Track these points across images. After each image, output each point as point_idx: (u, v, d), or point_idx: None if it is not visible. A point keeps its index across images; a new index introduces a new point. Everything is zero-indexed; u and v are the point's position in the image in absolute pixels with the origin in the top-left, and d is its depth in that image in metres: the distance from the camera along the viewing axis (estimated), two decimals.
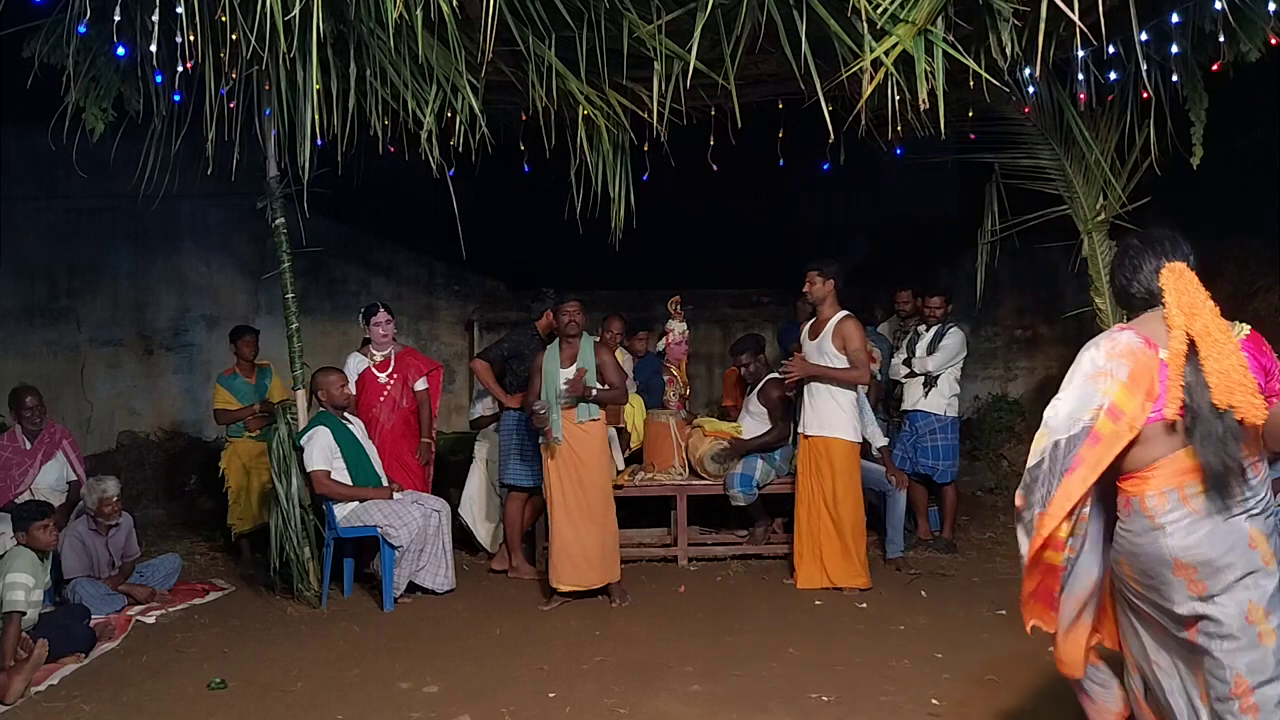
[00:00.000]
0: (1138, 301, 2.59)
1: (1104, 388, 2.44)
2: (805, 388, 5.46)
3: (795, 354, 5.69)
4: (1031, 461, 2.53)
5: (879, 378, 6.80)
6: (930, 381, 6.17)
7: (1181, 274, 2.46)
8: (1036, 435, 2.52)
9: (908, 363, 6.26)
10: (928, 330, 6.24)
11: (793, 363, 5.51)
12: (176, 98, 4.58)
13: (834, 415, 5.34)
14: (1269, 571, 2.37)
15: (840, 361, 5.30)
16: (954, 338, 6.16)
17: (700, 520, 6.37)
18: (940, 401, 6.18)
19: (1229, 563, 2.35)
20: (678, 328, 6.66)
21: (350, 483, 5.35)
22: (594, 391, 5.12)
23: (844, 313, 5.37)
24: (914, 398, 6.25)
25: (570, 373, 5.16)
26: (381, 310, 5.94)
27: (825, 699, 3.85)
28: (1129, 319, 2.60)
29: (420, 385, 6.02)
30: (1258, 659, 2.34)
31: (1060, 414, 2.48)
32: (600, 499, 5.21)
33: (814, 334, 5.45)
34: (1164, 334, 2.44)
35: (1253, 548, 2.36)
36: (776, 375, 5.92)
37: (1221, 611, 2.35)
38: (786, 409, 5.87)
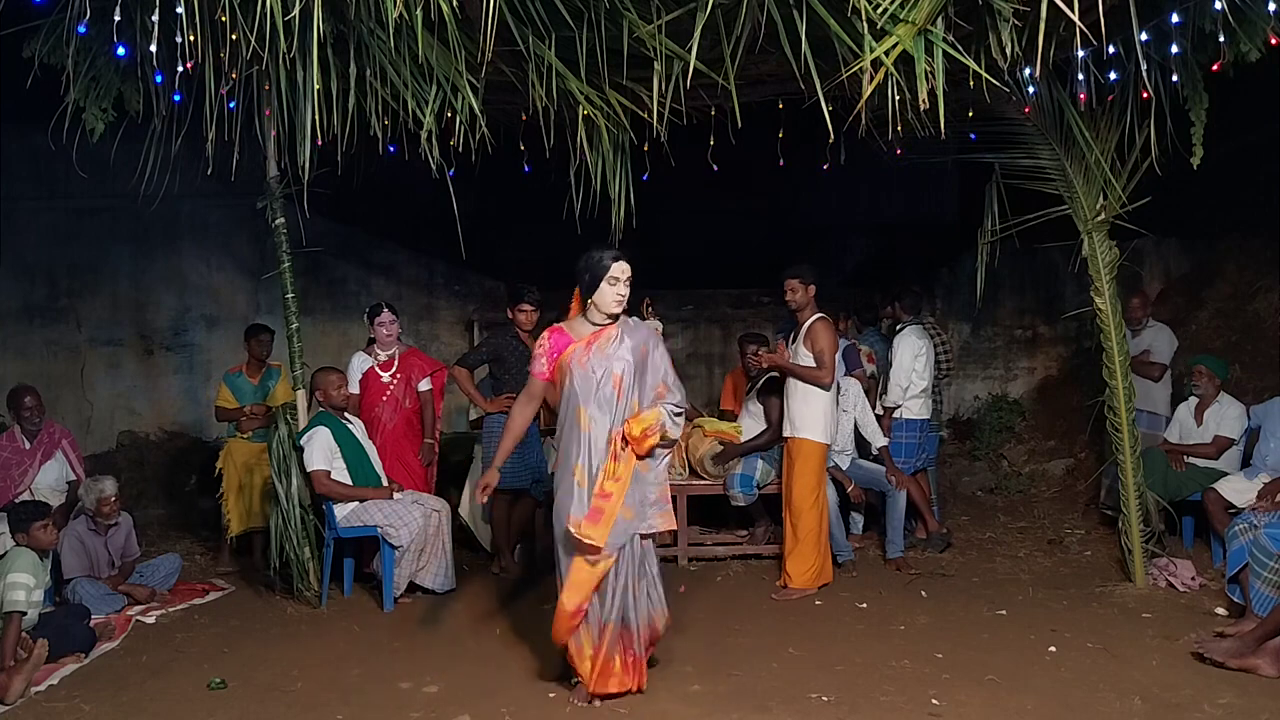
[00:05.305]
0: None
1: None
2: (785, 388, 5.49)
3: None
4: None
5: (876, 378, 6.81)
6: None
7: None
8: None
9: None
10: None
11: (769, 353, 5.65)
12: (176, 98, 4.57)
13: (801, 415, 5.38)
14: None
15: (811, 362, 5.33)
16: (899, 344, 6.33)
17: (700, 520, 6.37)
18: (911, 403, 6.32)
19: None
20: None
21: (350, 483, 5.35)
22: None
23: (817, 315, 5.42)
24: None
25: None
26: (386, 310, 5.94)
27: (825, 699, 3.85)
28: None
29: (424, 386, 6.02)
30: None
31: None
32: None
33: (795, 337, 5.58)
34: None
35: None
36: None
37: None
38: (781, 410, 5.88)
